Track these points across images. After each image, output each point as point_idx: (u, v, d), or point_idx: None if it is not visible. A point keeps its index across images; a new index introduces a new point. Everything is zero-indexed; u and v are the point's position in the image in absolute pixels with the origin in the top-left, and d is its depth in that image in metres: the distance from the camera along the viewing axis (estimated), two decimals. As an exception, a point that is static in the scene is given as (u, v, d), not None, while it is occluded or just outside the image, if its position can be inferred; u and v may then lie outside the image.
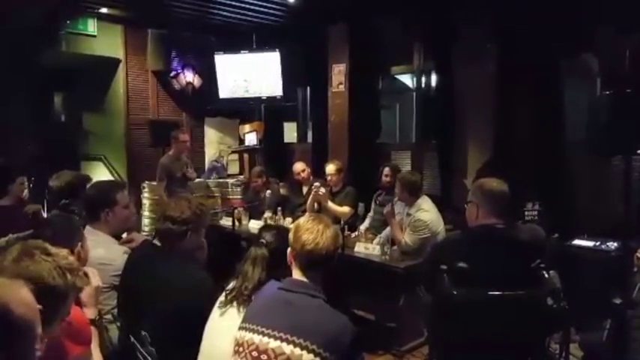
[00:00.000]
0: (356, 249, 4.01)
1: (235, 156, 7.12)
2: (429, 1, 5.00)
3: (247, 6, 5.57)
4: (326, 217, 1.96)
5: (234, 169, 7.04)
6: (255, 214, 5.10)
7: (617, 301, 2.55)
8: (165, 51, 6.35)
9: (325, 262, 1.76)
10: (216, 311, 1.98)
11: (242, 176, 6.77)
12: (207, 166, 6.90)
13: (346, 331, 1.65)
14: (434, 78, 5.46)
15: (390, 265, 3.74)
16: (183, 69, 6.45)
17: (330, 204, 4.79)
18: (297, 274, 1.78)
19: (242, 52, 6.42)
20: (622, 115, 2.59)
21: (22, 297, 1.12)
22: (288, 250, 1.81)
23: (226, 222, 4.96)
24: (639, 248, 2.97)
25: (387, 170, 4.72)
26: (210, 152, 7.01)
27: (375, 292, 3.94)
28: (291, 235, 1.81)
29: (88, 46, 6.07)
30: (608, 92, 2.99)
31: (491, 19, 4.64)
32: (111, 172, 6.38)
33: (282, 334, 1.63)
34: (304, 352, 1.58)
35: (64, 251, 1.52)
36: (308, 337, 1.60)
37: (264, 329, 1.67)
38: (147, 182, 5.97)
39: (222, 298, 1.98)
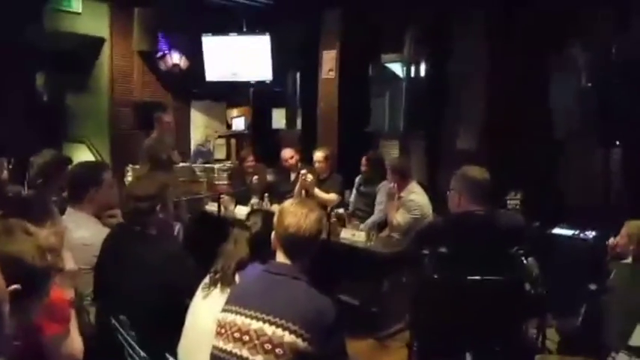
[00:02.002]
0: (342, 235, 4.06)
1: (222, 141, 7.04)
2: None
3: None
4: (311, 202, 1.98)
5: (220, 154, 6.97)
6: (242, 200, 5.10)
7: (592, 287, 2.63)
8: (152, 31, 6.20)
9: (308, 245, 1.78)
10: (199, 294, 1.99)
11: (229, 162, 6.73)
12: (193, 150, 6.83)
13: (328, 313, 1.68)
14: (423, 68, 5.47)
15: (375, 250, 3.79)
16: (170, 50, 6.34)
17: (317, 191, 4.81)
18: (280, 257, 1.80)
19: (231, 34, 6.33)
20: (605, 107, 2.65)
21: None
22: (273, 233, 1.83)
23: (212, 208, 4.94)
24: (615, 237, 3.05)
25: (363, 160, 4.75)
26: (196, 136, 6.91)
27: (359, 277, 4.00)
28: (275, 219, 1.83)
29: (72, 25, 5.91)
30: (591, 84, 3.05)
31: (484, 10, 4.66)
32: (94, 155, 6.26)
33: (264, 316, 1.65)
34: (286, 333, 1.61)
35: (45, 231, 1.53)
36: (289, 318, 1.62)
37: (246, 311, 1.69)
38: (130, 165, 5.90)
39: (206, 280, 2.00)
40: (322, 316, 1.66)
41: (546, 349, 2.85)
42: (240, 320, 1.68)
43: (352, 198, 4.83)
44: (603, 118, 2.67)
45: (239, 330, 1.67)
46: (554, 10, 4.15)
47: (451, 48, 4.96)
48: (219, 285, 1.93)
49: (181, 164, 5.92)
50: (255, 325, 1.65)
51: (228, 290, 1.89)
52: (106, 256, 2.31)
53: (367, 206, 4.62)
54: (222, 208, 4.73)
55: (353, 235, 3.99)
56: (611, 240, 3.05)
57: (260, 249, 1.94)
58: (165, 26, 6.27)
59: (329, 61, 5.87)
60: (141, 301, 2.06)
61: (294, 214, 1.77)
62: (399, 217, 3.91)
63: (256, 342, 1.63)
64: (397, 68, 5.92)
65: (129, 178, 5.93)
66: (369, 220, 4.46)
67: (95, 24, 6.10)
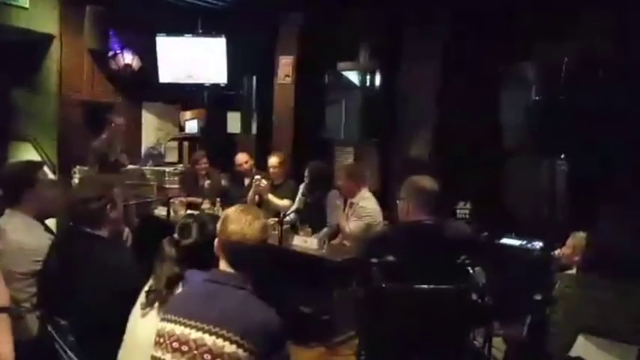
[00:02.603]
0: (294, 242, 4.02)
1: (174, 144, 6.87)
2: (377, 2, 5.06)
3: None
4: (256, 209, 1.92)
5: (172, 157, 6.80)
6: (193, 205, 4.99)
7: (538, 297, 2.68)
8: (104, 29, 6.01)
9: (252, 253, 1.72)
10: (137, 311, 1.90)
11: (181, 165, 6.58)
12: (143, 152, 6.64)
13: (272, 323, 1.63)
14: (378, 77, 5.53)
15: (326, 258, 3.77)
16: (122, 49, 6.15)
17: (271, 197, 4.77)
18: (223, 265, 1.75)
19: (186, 35, 6.21)
20: (550, 120, 2.72)
21: None
22: (216, 240, 1.77)
23: (161, 212, 4.81)
24: (560, 248, 3.14)
25: (306, 171, 4.64)
26: (147, 138, 6.71)
27: (311, 285, 3.96)
28: (218, 225, 1.77)
29: (18, 19, 5.66)
30: (538, 98, 3.14)
31: (437, 24, 4.75)
32: (40, 155, 6.00)
33: (204, 325, 1.59)
34: (226, 343, 1.55)
35: None
36: (231, 328, 1.57)
37: (185, 320, 1.63)
38: (78, 167, 5.69)
39: (142, 299, 1.90)
40: (265, 326, 1.62)
41: (493, 358, 2.88)
42: (179, 330, 1.62)
43: (297, 204, 4.72)
44: (550, 132, 2.74)
45: (178, 340, 1.61)
46: (506, 26, 4.28)
47: (404, 60, 5.03)
48: (155, 305, 1.84)
49: (131, 167, 5.75)
50: (195, 334, 1.59)
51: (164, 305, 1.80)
52: (55, 259, 2.20)
53: (312, 216, 4.46)
54: (172, 212, 4.62)
55: (305, 242, 3.97)
56: (557, 251, 3.14)
57: (199, 259, 1.86)
58: (117, 25, 6.09)
59: (285, 66, 5.85)
60: (88, 306, 1.99)
61: (237, 221, 1.71)
62: (351, 225, 3.92)
63: (195, 352, 1.57)
64: (353, 76, 5.95)
65: (76, 179, 5.73)
66: (322, 233, 4.39)
67: (44, 20, 5.86)
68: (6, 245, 2.26)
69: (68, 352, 1.92)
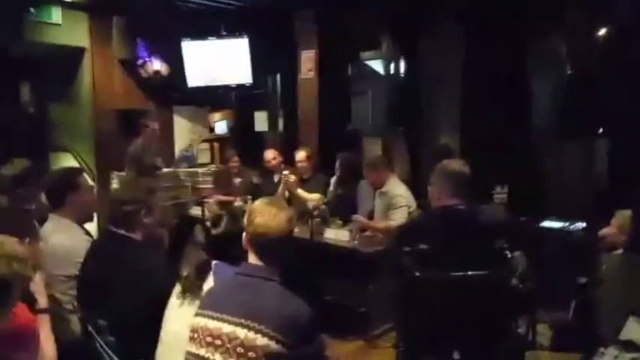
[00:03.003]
0: (325, 235, 4.00)
1: (206, 145, 6.97)
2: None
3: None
4: (281, 201, 1.92)
5: (204, 158, 6.90)
6: (226, 203, 5.02)
7: (582, 280, 2.57)
8: (131, 39, 6.16)
9: (279, 245, 1.71)
10: (174, 300, 1.93)
11: (213, 165, 6.66)
12: (176, 155, 6.76)
13: (302, 314, 1.62)
14: (402, 65, 5.43)
15: (359, 250, 3.73)
16: (150, 57, 6.27)
17: (300, 191, 4.76)
18: (252, 259, 1.75)
19: (210, 38, 6.27)
20: (586, 100, 2.60)
21: None
22: (243, 234, 1.77)
23: (197, 212, 4.88)
24: (604, 228, 3.00)
25: (337, 163, 4.66)
26: (180, 142, 6.85)
27: (345, 277, 3.93)
28: (245, 220, 1.77)
29: (53, 35, 5.86)
30: (572, 78, 3.00)
31: (459, 5, 4.62)
32: (79, 163, 6.20)
33: (235, 319, 1.59)
34: (258, 336, 1.55)
35: (12, 239, 1.51)
36: (262, 320, 1.56)
37: (217, 314, 1.64)
38: (115, 173, 5.84)
39: (178, 287, 1.94)
40: (296, 318, 1.60)
41: (538, 345, 2.78)
42: (212, 324, 1.63)
43: (328, 197, 4.72)
44: (586, 111, 2.62)
45: (211, 334, 1.62)
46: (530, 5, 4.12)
47: (426, 45, 4.91)
48: (188, 301, 1.88)
49: (165, 170, 5.86)
50: (227, 328, 1.59)
51: (198, 297, 1.83)
52: (91, 261, 2.27)
53: (345, 208, 4.47)
54: (207, 212, 4.67)
55: (336, 234, 3.93)
56: (604, 231, 2.99)
57: (227, 249, 1.87)
58: (144, 33, 6.21)
59: (307, 61, 5.81)
60: (123, 307, 2.03)
61: (262, 214, 1.71)
62: (395, 216, 3.85)
63: (228, 346, 1.58)
64: (377, 66, 5.86)
65: (114, 184, 5.88)
66: (353, 223, 4.37)
67: (75, 34, 6.05)
68: (49, 249, 2.34)
69: (108, 351, 1.96)
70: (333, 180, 4.74)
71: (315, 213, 4.03)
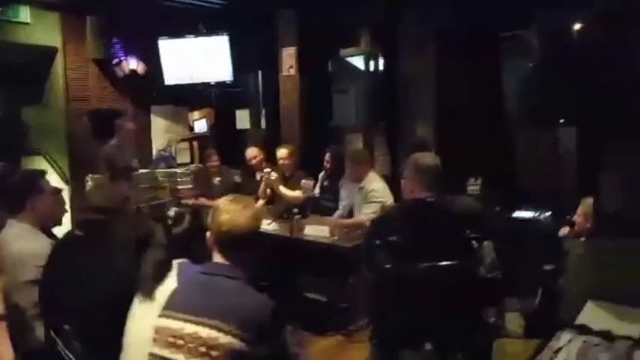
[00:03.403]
0: (305, 231, 4.01)
1: (185, 144, 6.94)
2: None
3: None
4: (246, 198, 1.91)
5: (184, 158, 6.87)
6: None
7: (548, 267, 2.62)
8: (106, 38, 6.08)
9: (244, 243, 1.72)
10: (135, 312, 1.93)
11: (193, 165, 6.63)
12: (154, 155, 6.70)
13: (265, 311, 1.62)
14: (381, 60, 5.46)
15: (338, 245, 3.75)
16: (126, 56, 6.21)
17: (282, 188, 4.77)
18: (216, 257, 1.75)
19: (188, 36, 6.23)
20: (552, 87, 2.63)
21: None
22: (208, 232, 1.77)
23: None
24: (572, 216, 3.06)
25: (327, 155, 4.75)
26: (158, 142, 6.79)
27: (325, 273, 3.96)
28: (209, 217, 1.77)
29: (21, 35, 5.76)
30: (534, 64, 3.05)
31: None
32: (53, 167, 6.13)
33: (197, 318, 1.60)
34: (221, 335, 1.56)
35: None
36: (224, 319, 1.57)
37: (179, 314, 1.64)
38: (90, 175, 5.76)
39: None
40: (259, 315, 1.61)
41: (508, 333, 2.83)
42: (174, 324, 1.63)
43: (316, 193, 4.79)
44: (552, 100, 2.66)
45: (173, 334, 1.62)
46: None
47: (403, 41, 4.95)
48: (151, 303, 1.86)
49: (142, 170, 5.80)
50: (190, 328, 1.60)
51: (154, 297, 1.83)
52: (54, 265, 2.22)
53: (330, 201, 4.61)
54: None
55: (317, 230, 3.95)
56: (573, 218, 3.05)
57: (189, 248, 1.87)
58: (119, 32, 6.14)
59: (288, 57, 5.82)
60: (87, 311, 2.01)
61: (227, 212, 1.72)
62: (367, 210, 3.89)
63: (191, 345, 1.58)
64: (358, 62, 5.89)
65: (88, 187, 5.81)
66: (335, 215, 4.45)
67: (46, 34, 5.95)
68: (9, 254, 2.29)
69: (71, 357, 1.94)
70: (321, 175, 4.81)
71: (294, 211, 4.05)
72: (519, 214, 3.79)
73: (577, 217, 3.02)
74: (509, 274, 2.61)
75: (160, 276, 1.84)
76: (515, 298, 3.14)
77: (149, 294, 1.83)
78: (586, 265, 2.24)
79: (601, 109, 2.60)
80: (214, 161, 5.45)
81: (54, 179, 5.76)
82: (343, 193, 4.50)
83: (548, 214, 3.58)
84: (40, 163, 6.06)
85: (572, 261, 2.49)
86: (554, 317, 2.43)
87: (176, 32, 6.22)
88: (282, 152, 4.94)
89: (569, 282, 2.44)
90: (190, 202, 5.04)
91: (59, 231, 2.68)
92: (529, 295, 2.86)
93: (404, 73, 5.03)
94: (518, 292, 2.99)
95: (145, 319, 1.82)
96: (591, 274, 2.11)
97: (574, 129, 3.44)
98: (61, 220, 2.77)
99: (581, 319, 1.94)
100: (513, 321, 3.02)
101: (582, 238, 2.83)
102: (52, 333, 1.99)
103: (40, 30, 5.86)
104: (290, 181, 4.87)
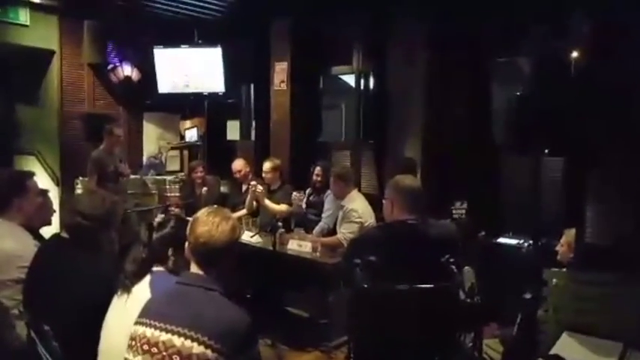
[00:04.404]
0: (288, 246, 4.01)
1: (175, 152, 6.95)
2: (364, 3, 5.06)
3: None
4: (225, 211, 1.92)
5: (174, 165, 6.87)
6: (191, 213, 4.99)
7: (527, 296, 2.63)
8: (102, 43, 6.13)
9: (221, 255, 1.72)
10: (110, 318, 1.93)
11: (182, 173, 6.63)
12: (144, 162, 6.71)
13: (240, 322, 1.62)
14: (372, 79, 5.53)
15: (320, 261, 3.76)
16: (121, 62, 6.25)
17: (267, 202, 4.77)
18: (194, 268, 1.75)
19: (183, 46, 6.28)
20: (534, 116, 2.68)
21: None
22: (186, 243, 1.77)
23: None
24: (556, 244, 3.09)
25: (317, 170, 4.80)
26: (149, 148, 6.82)
27: (307, 289, 3.96)
28: (188, 229, 1.77)
29: (19, 37, 5.80)
30: (529, 94, 3.10)
31: (425, 21, 4.73)
32: (44, 168, 6.12)
33: (173, 327, 1.60)
34: (194, 344, 1.55)
35: None
36: (199, 329, 1.57)
37: (155, 323, 1.63)
38: (80, 178, 5.77)
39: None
40: (234, 327, 1.61)
41: (488, 359, 2.84)
42: (150, 332, 1.63)
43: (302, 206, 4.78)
44: (532, 128, 2.71)
45: (148, 342, 1.62)
46: (492, 22, 4.24)
47: (393, 61, 5.02)
48: (125, 292, 1.89)
49: (132, 176, 5.80)
50: (165, 336, 1.59)
51: (128, 296, 1.85)
52: (39, 267, 2.23)
53: (316, 215, 4.63)
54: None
55: (300, 245, 3.95)
56: (558, 247, 3.07)
57: (167, 252, 1.88)
58: (116, 38, 6.19)
59: (280, 72, 5.87)
60: (67, 313, 2.01)
61: (205, 224, 1.72)
62: (344, 230, 3.91)
63: (164, 354, 1.58)
64: (349, 79, 5.96)
65: (78, 190, 5.81)
66: (317, 228, 4.47)
67: (44, 36, 6.00)
68: None
69: (49, 358, 1.93)
70: (308, 190, 4.84)
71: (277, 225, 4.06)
72: (503, 240, 3.82)
73: (560, 247, 3.06)
74: (490, 299, 2.62)
75: (140, 274, 1.85)
76: (495, 324, 3.16)
77: (127, 289, 1.84)
78: (563, 297, 2.25)
79: (585, 140, 2.65)
80: (200, 172, 5.43)
81: (45, 180, 5.75)
82: (327, 205, 4.53)
83: (530, 242, 3.61)
84: (31, 164, 6.06)
85: (553, 292, 2.51)
86: (532, 346, 2.44)
87: (172, 42, 6.26)
88: (266, 166, 4.96)
89: (548, 312, 2.46)
90: (177, 210, 5.03)
91: (48, 231, 2.68)
92: (508, 323, 2.86)
93: (394, 92, 5.08)
94: (497, 319, 3.00)
95: (119, 327, 1.82)
96: (567, 305, 2.13)
97: (559, 158, 3.49)
98: (50, 220, 2.79)
99: (556, 349, 1.95)
100: (492, 347, 3.03)
101: (564, 269, 2.85)
102: (32, 333, 1.98)
103: (38, 32, 5.91)
104: (275, 195, 4.88)
